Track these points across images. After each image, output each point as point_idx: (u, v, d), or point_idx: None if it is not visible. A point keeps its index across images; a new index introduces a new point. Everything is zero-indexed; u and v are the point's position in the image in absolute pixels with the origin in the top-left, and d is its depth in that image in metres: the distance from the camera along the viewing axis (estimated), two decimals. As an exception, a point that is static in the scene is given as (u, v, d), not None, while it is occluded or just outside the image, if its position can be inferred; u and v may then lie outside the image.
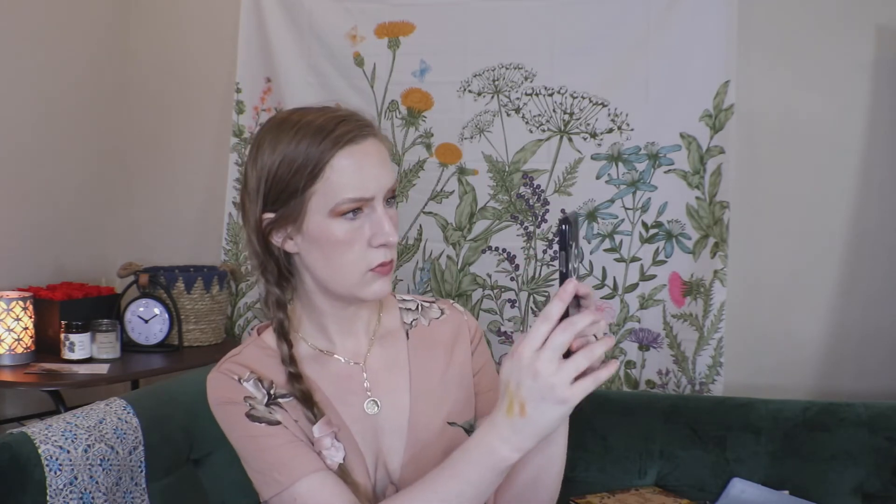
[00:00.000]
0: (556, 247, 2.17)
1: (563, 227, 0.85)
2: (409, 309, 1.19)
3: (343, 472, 1.02)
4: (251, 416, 1.03)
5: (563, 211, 0.83)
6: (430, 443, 1.09)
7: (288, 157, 1.01)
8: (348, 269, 1.03)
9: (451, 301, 1.23)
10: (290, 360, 1.06)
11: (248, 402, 1.04)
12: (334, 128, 1.02)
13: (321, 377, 1.09)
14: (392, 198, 1.05)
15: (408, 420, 1.09)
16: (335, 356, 1.11)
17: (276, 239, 1.05)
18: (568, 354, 0.86)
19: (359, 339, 1.12)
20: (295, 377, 1.05)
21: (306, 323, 1.12)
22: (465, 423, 1.13)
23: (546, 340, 0.85)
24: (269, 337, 1.10)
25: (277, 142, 1.03)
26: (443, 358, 1.15)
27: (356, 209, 1.01)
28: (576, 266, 0.88)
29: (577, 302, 0.89)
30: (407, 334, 1.16)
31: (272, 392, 1.06)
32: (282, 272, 1.08)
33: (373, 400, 1.09)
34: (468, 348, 1.17)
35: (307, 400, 1.04)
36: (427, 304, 1.21)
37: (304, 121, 1.04)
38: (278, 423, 1.03)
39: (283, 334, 1.07)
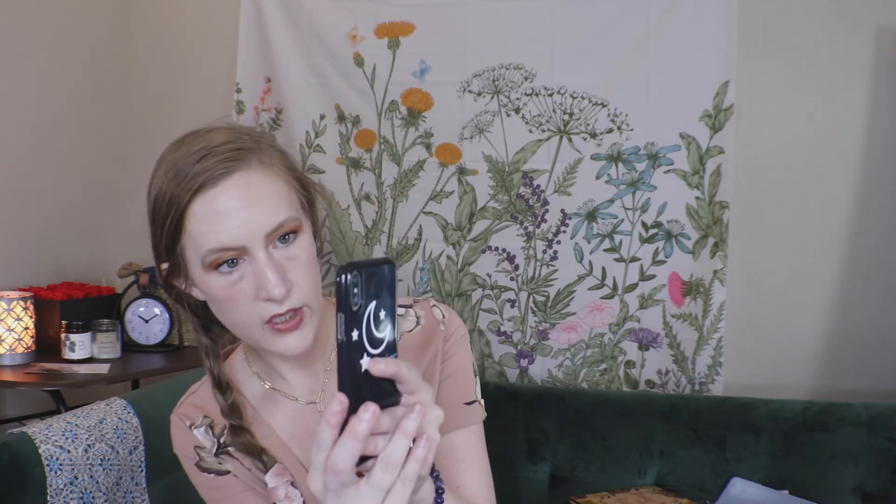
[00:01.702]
0: (555, 247, 2.17)
1: (342, 277, 0.64)
2: None
3: None
4: (200, 467, 0.99)
5: (340, 269, 0.64)
6: None
7: (157, 205, 0.89)
8: (242, 325, 0.90)
9: (434, 302, 1.06)
10: (229, 412, 0.96)
11: (197, 451, 0.99)
12: (190, 169, 0.86)
13: (277, 419, 1.00)
14: (287, 235, 0.88)
15: None
16: (289, 396, 1.00)
17: (180, 287, 0.94)
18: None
19: (316, 373, 1.00)
20: (236, 429, 0.96)
21: (257, 362, 1.02)
22: None
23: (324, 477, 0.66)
24: (232, 366, 1.02)
25: (154, 182, 0.91)
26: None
27: (232, 261, 0.87)
28: (376, 334, 0.65)
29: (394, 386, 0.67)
30: None
31: (222, 440, 0.99)
32: (204, 319, 0.98)
33: None
34: (439, 362, 1.01)
35: (252, 452, 0.96)
36: (401, 313, 1.03)
37: (172, 159, 0.90)
38: (228, 472, 0.98)
39: (219, 386, 0.97)
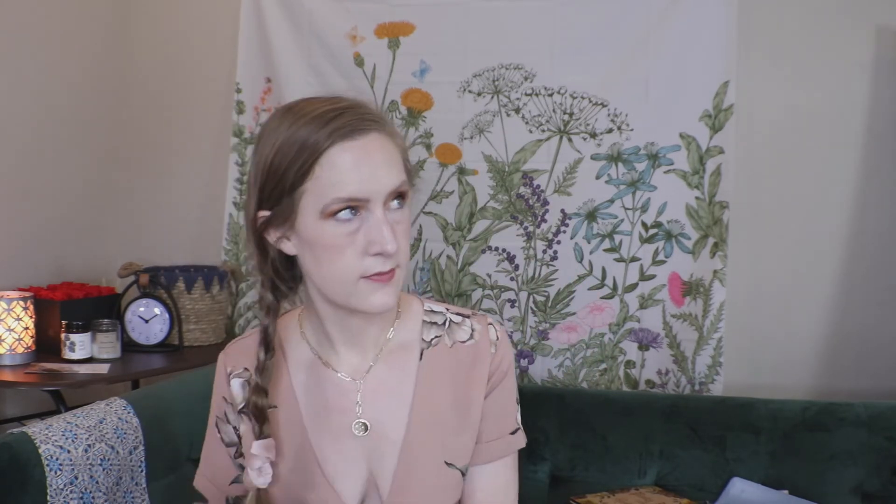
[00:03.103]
0: (555, 247, 2.17)
1: None
2: (435, 323, 1.06)
3: (259, 497, 1.00)
4: (218, 418, 1.10)
5: None
6: (424, 476, 1.01)
7: (282, 151, 0.92)
8: (340, 277, 0.93)
9: (490, 320, 1.08)
10: (261, 371, 1.00)
11: (225, 402, 1.08)
12: (331, 119, 0.91)
13: (315, 388, 1.03)
14: (398, 199, 0.94)
15: (401, 446, 1.01)
16: (333, 369, 1.03)
17: (272, 238, 0.97)
18: None
19: (364, 354, 1.03)
20: (259, 389, 1.00)
21: (310, 328, 1.05)
22: (463, 467, 1.04)
23: None
24: (284, 326, 1.07)
25: (276, 133, 0.94)
26: (454, 390, 1.04)
27: (351, 209, 0.91)
28: None
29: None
30: (421, 353, 1.04)
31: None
32: (280, 275, 1.01)
33: (362, 422, 1.01)
34: (483, 387, 1.04)
35: (258, 416, 1.00)
36: (458, 321, 1.07)
37: (305, 111, 0.94)
38: (235, 442, 1.08)
39: (266, 345, 1.01)
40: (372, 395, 1.02)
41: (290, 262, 1.00)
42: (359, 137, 0.91)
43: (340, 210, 0.91)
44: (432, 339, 1.05)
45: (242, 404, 1.05)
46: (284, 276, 1.01)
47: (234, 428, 1.08)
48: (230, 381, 1.07)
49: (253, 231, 0.98)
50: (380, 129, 0.94)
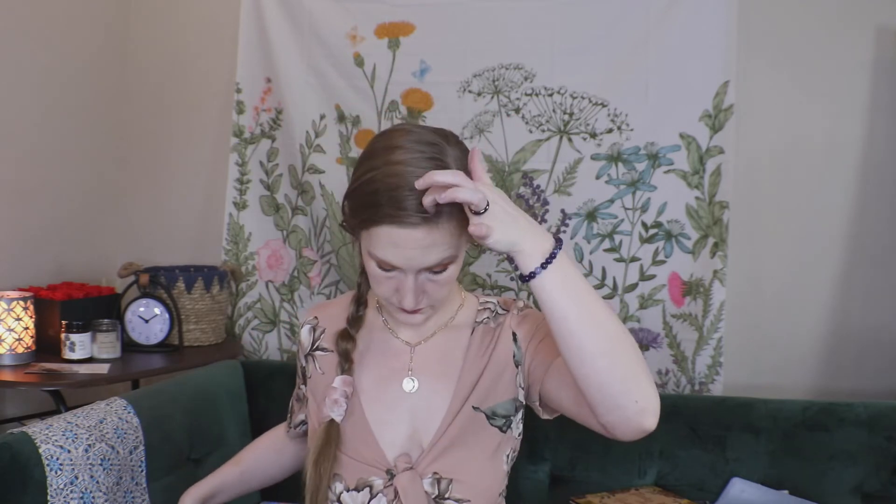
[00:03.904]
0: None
1: None
2: (487, 309, 1.25)
3: (330, 427, 1.16)
4: (297, 358, 1.33)
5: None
6: (465, 434, 1.16)
7: (358, 190, 1.08)
8: (381, 297, 1.14)
9: (521, 301, 1.28)
10: (353, 322, 1.22)
11: (299, 347, 1.31)
12: (390, 200, 1.02)
13: (374, 345, 1.22)
14: (437, 271, 1.08)
15: (448, 407, 1.16)
16: (394, 333, 1.23)
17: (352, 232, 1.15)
18: None
19: (424, 330, 1.22)
20: (346, 336, 1.21)
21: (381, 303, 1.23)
22: (487, 409, 1.18)
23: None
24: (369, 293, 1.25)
25: (363, 167, 1.09)
26: (494, 354, 1.20)
27: (390, 268, 1.08)
28: None
29: None
30: (473, 330, 1.22)
31: (317, 344, 1.27)
32: None
33: (411, 378, 1.18)
34: (510, 343, 1.21)
35: (345, 357, 1.19)
36: (502, 311, 1.26)
37: (384, 160, 1.05)
38: (306, 377, 1.29)
39: (359, 301, 1.24)
40: (425, 358, 1.20)
41: None
42: (407, 228, 1.03)
43: (380, 264, 1.08)
44: (483, 320, 1.23)
45: (309, 348, 1.28)
46: None
47: (303, 368, 1.30)
48: (302, 328, 1.30)
49: (348, 224, 1.15)
50: (434, 226, 1.03)
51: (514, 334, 1.22)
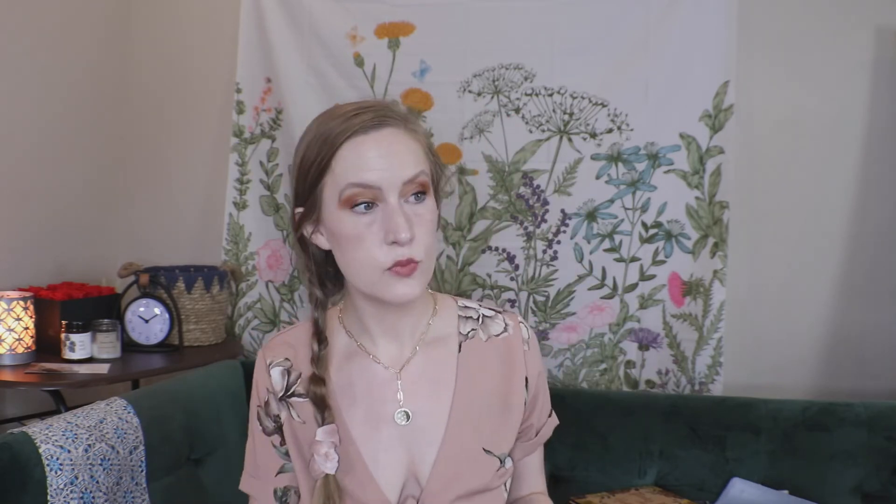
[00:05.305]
0: (555, 247, 2.17)
1: None
2: (470, 317, 1.12)
3: (327, 482, 1.02)
4: (259, 414, 1.11)
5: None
6: (463, 463, 1.05)
7: (308, 148, 1.01)
8: (363, 267, 0.99)
9: (520, 319, 1.15)
10: (318, 362, 1.06)
11: (268, 394, 1.10)
12: (351, 117, 0.98)
13: (356, 377, 1.07)
14: (418, 194, 0.98)
15: (443, 435, 1.05)
16: (373, 358, 1.07)
17: (307, 233, 1.04)
18: None
19: (402, 344, 1.08)
20: (317, 379, 1.05)
21: (350, 320, 1.09)
22: (501, 455, 1.09)
23: None
24: (327, 318, 1.10)
25: (307, 133, 1.03)
26: (493, 379, 1.10)
27: (368, 203, 0.96)
28: None
29: None
30: (460, 346, 1.10)
31: (292, 389, 1.09)
32: (323, 270, 1.08)
33: (404, 411, 1.06)
34: (522, 385, 1.11)
35: (319, 405, 1.04)
36: (490, 315, 1.13)
37: (332, 112, 1.02)
38: (277, 428, 1.10)
39: (319, 336, 1.07)
40: (413, 385, 1.07)
41: (331, 258, 1.05)
42: (373, 132, 0.97)
43: (355, 197, 0.96)
44: (468, 332, 1.11)
45: (283, 392, 1.09)
46: (328, 271, 1.08)
47: (276, 416, 1.10)
48: (270, 371, 1.10)
49: (293, 228, 1.06)
50: (397, 125, 0.99)
51: (525, 380, 1.12)
